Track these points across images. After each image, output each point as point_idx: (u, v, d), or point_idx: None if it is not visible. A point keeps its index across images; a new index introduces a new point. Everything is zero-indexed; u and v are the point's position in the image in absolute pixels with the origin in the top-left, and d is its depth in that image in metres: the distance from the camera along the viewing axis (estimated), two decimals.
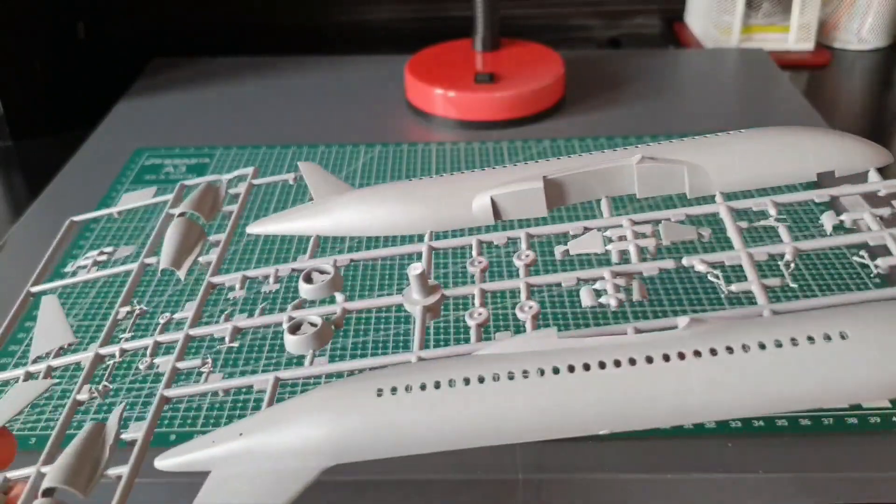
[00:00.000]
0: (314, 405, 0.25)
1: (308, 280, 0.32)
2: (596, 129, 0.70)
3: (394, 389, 0.24)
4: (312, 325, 0.30)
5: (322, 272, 0.32)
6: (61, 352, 0.34)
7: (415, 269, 0.30)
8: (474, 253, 0.32)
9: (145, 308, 0.35)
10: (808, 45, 0.89)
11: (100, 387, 0.30)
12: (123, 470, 0.26)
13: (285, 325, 0.30)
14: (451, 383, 0.24)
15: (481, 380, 0.24)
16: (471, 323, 0.29)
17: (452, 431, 0.24)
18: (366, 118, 0.76)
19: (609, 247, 0.30)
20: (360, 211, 0.35)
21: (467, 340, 0.28)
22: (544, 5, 1.00)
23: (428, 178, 0.35)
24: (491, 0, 0.77)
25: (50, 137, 0.80)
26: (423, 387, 0.24)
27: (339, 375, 0.43)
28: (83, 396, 0.30)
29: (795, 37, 0.89)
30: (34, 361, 0.33)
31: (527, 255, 0.31)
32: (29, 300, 0.37)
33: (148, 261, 0.38)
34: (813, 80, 0.86)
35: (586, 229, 0.31)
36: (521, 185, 0.33)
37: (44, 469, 0.26)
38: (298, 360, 0.29)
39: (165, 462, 0.26)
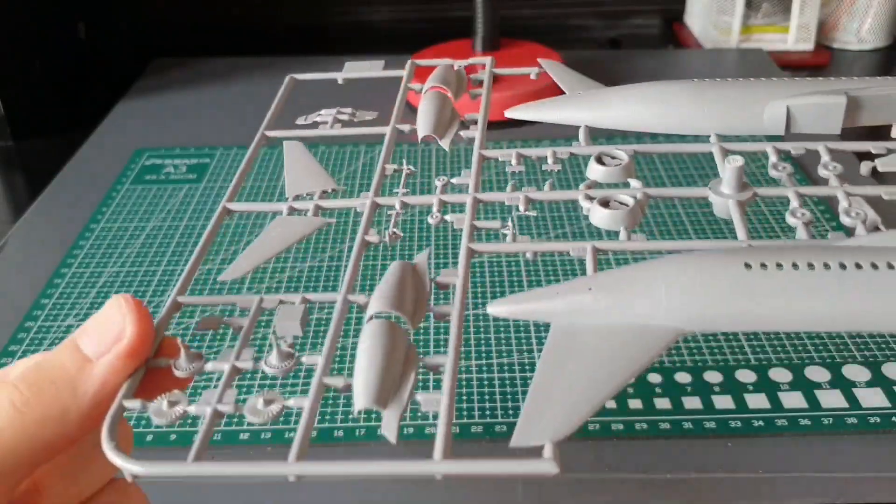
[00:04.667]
0: (676, 269, 0.24)
1: (600, 162, 0.30)
2: (596, 129, 0.70)
3: (763, 265, 0.23)
4: (622, 203, 0.28)
5: (613, 157, 0.31)
6: (325, 195, 0.31)
7: (735, 160, 0.28)
8: (773, 158, 0.31)
9: (413, 168, 0.32)
10: (808, 45, 0.89)
11: (389, 232, 0.29)
12: (449, 309, 0.25)
13: (583, 201, 0.29)
14: (825, 266, 0.23)
15: (858, 266, 0.23)
16: (794, 221, 0.27)
17: (822, 315, 0.23)
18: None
19: None
20: (641, 104, 0.33)
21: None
22: (544, 6, 1.00)
23: (714, 80, 0.33)
24: (491, 0, 0.77)
25: (50, 137, 0.80)
26: (794, 266, 0.23)
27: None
28: (372, 238, 0.28)
29: (795, 37, 0.89)
30: (295, 199, 0.31)
31: (834, 167, 0.29)
32: (262, 143, 0.35)
33: (400, 127, 0.35)
34: None
35: (889, 151, 0.29)
36: (823, 97, 0.31)
37: (351, 297, 0.26)
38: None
39: (498, 308, 0.25)
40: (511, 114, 0.35)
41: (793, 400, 0.43)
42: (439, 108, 0.35)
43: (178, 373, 0.24)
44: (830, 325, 0.23)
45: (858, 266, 0.23)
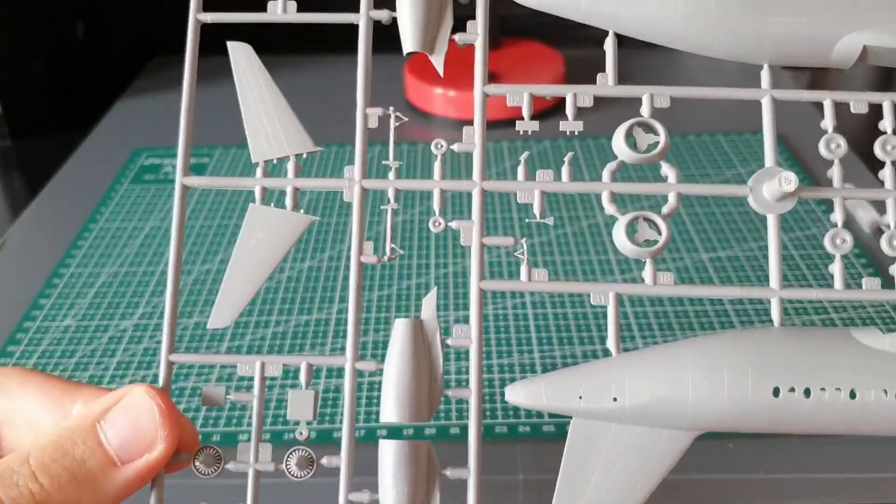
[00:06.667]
0: (704, 385, 0.24)
1: (630, 140, 0.26)
2: (596, 129, 0.70)
3: (792, 390, 0.23)
4: (651, 224, 0.25)
5: (648, 128, 0.26)
6: (300, 166, 0.26)
7: (788, 182, 0.25)
8: (829, 123, 0.27)
9: (403, 118, 0.28)
10: None
11: (388, 250, 0.25)
12: (465, 393, 0.24)
13: (608, 204, 0.25)
14: (851, 394, 0.23)
15: (885, 393, 0.23)
16: (832, 250, 0.25)
17: (845, 430, 0.24)
18: None
19: None
20: (688, 8, 0.26)
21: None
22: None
23: None
24: None
25: (50, 137, 0.79)
26: (822, 390, 0.23)
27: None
28: (369, 259, 0.25)
29: None
30: (264, 172, 0.26)
31: (893, 147, 0.26)
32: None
33: (375, 15, 0.29)
34: (814, 79, 0.86)
35: None
36: None
37: (359, 365, 0.24)
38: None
39: (517, 398, 0.24)
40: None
41: None
42: None
43: (198, 474, 0.24)
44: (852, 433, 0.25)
45: (885, 392, 0.23)
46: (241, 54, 0.29)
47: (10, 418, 0.25)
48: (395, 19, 0.28)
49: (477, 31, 0.28)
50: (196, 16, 0.29)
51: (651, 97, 0.27)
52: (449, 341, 0.25)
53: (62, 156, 0.71)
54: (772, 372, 0.24)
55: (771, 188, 0.25)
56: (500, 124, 0.74)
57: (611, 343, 0.25)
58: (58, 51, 0.83)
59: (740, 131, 0.70)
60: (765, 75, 0.28)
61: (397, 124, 0.27)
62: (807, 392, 0.23)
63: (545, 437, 0.41)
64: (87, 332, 0.49)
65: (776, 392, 0.24)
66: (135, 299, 0.52)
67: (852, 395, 0.23)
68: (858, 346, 0.24)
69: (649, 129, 0.26)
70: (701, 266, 0.52)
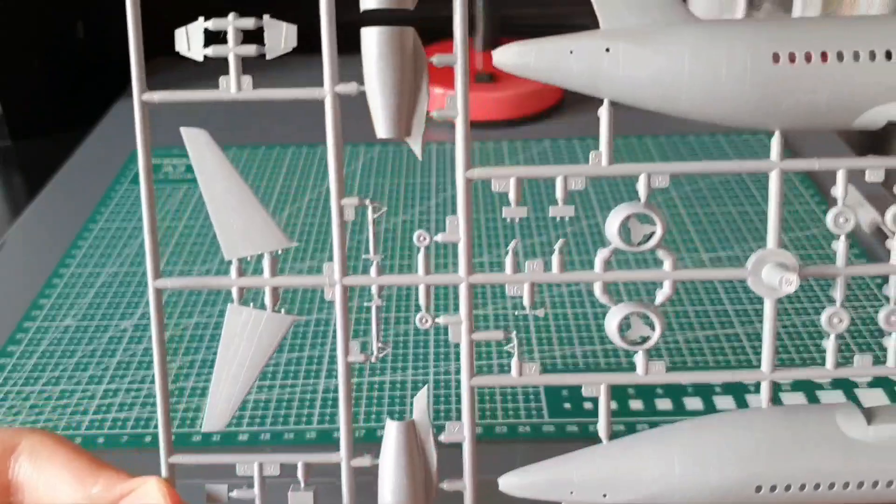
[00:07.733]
0: (691, 476, 0.25)
1: (625, 230, 0.24)
2: (596, 129, 0.70)
3: (773, 488, 0.25)
4: (645, 318, 0.24)
5: (644, 218, 0.24)
6: (277, 262, 0.25)
7: (789, 283, 0.23)
8: (840, 191, 0.24)
9: (382, 206, 0.25)
10: None
11: (375, 349, 0.24)
12: (461, 485, 0.25)
13: (601, 294, 0.25)
14: (830, 486, 0.25)
15: (858, 486, 0.25)
16: (828, 327, 0.25)
17: None
18: (366, 118, 0.76)
19: None
20: (698, 66, 0.23)
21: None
22: (544, 5, 0.99)
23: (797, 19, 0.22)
24: None
25: (49, 137, 0.79)
26: (801, 487, 0.25)
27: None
28: (356, 357, 0.24)
29: None
30: (239, 270, 0.25)
31: None
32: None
33: (341, 89, 0.24)
34: None
35: None
36: None
37: (353, 462, 0.26)
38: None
39: (512, 488, 0.26)
40: (501, 58, 0.27)
41: (795, 400, 0.42)
42: (396, 69, 0.24)
43: None
44: None
45: (860, 485, 0.25)
46: (197, 142, 0.28)
47: (34, 484, 0.26)
48: (363, 93, 0.25)
49: (456, 108, 0.26)
50: (141, 97, 0.26)
51: (648, 177, 0.25)
52: (442, 437, 0.25)
53: (62, 156, 0.71)
54: (756, 471, 0.25)
55: (770, 275, 0.24)
56: (500, 124, 0.74)
57: (601, 431, 0.26)
58: (58, 51, 0.83)
59: (740, 132, 0.70)
60: (775, 144, 0.25)
61: (375, 216, 0.25)
62: (787, 488, 0.25)
63: (545, 437, 0.41)
64: (87, 332, 0.49)
65: (758, 489, 0.25)
66: (135, 299, 0.52)
67: (830, 487, 0.25)
68: (841, 439, 0.25)
69: (645, 218, 0.24)
70: (701, 266, 0.51)
